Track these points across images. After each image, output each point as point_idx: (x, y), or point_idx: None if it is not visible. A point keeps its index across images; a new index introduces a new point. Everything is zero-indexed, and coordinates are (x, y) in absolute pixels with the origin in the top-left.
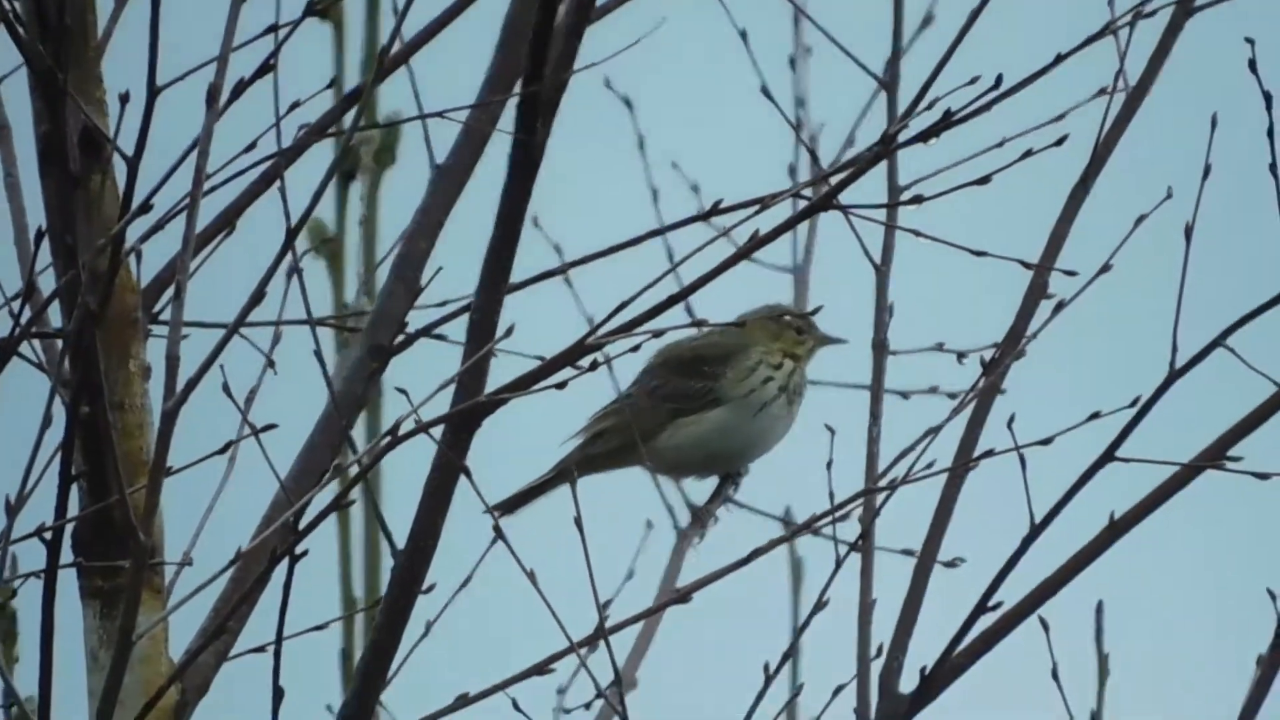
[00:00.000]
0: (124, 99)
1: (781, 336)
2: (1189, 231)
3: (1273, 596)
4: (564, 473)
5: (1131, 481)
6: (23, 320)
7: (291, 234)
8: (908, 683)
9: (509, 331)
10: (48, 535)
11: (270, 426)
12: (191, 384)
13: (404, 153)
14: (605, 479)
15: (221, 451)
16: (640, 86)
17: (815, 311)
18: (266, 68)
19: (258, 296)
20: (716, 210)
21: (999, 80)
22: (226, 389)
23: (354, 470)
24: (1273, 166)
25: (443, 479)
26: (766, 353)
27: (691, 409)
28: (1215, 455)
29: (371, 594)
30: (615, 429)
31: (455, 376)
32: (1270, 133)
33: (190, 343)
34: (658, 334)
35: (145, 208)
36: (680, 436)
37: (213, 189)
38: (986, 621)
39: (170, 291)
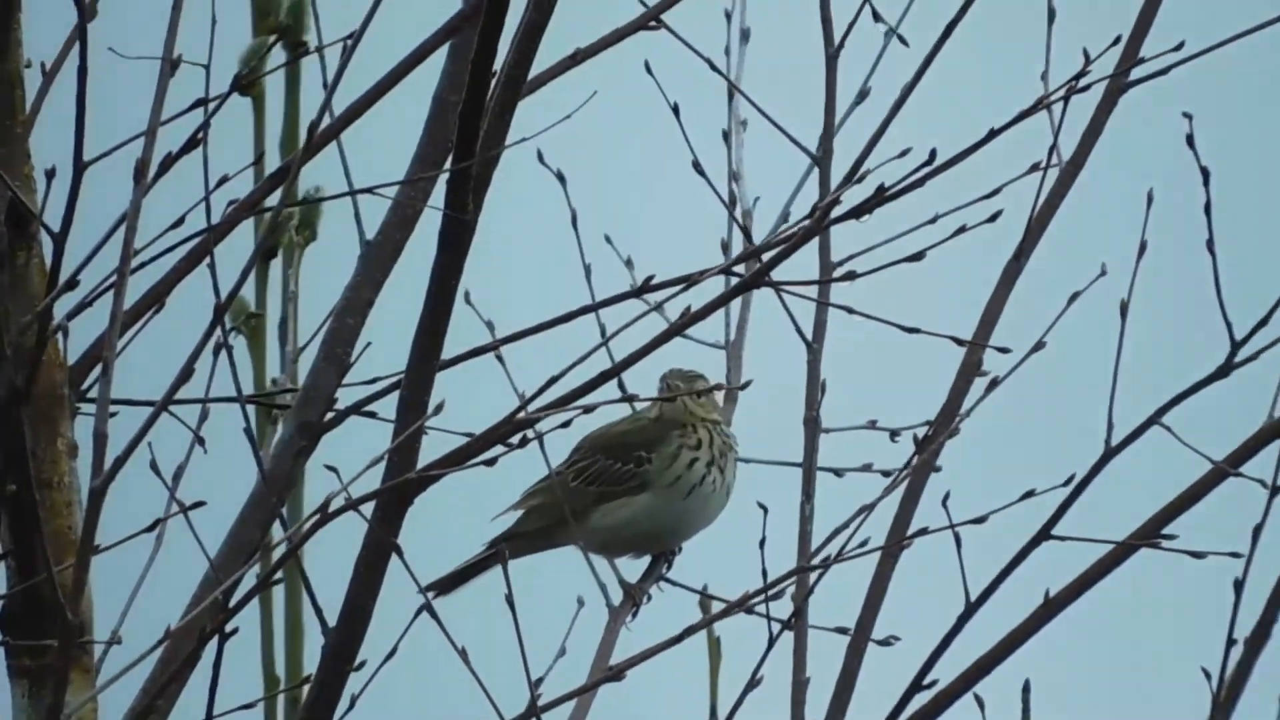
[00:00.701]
0: (50, 174)
1: (694, 409)
2: (1124, 308)
3: (1208, 675)
4: (497, 552)
5: (1067, 559)
6: None
7: (220, 310)
8: None
9: (439, 408)
10: None
11: (199, 504)
12: (120, 462)
13: (329, 228)
14: (537, 556)
15: (150, 529)
16: (573, 161)
17: (715, 387)
18: (194, 142)
19: (186, 373)
20: (648, 287)
21: (933, 155)
22: (154, 466)
23: (283, 548)
24: (1209, 243)
25: (374, 556)
26: (682, 434)
27: (618, 493)
28: (1150, 533)
29: (294, 672)
30: (545, 506)
31: (386, 453)
32: (1207, 208)
33: (118, 420)
34: (589, 409)
35: (72, 284)
36: (612, 518)
37: (141, 265)
38: (921, 700)
39: (98, 369)
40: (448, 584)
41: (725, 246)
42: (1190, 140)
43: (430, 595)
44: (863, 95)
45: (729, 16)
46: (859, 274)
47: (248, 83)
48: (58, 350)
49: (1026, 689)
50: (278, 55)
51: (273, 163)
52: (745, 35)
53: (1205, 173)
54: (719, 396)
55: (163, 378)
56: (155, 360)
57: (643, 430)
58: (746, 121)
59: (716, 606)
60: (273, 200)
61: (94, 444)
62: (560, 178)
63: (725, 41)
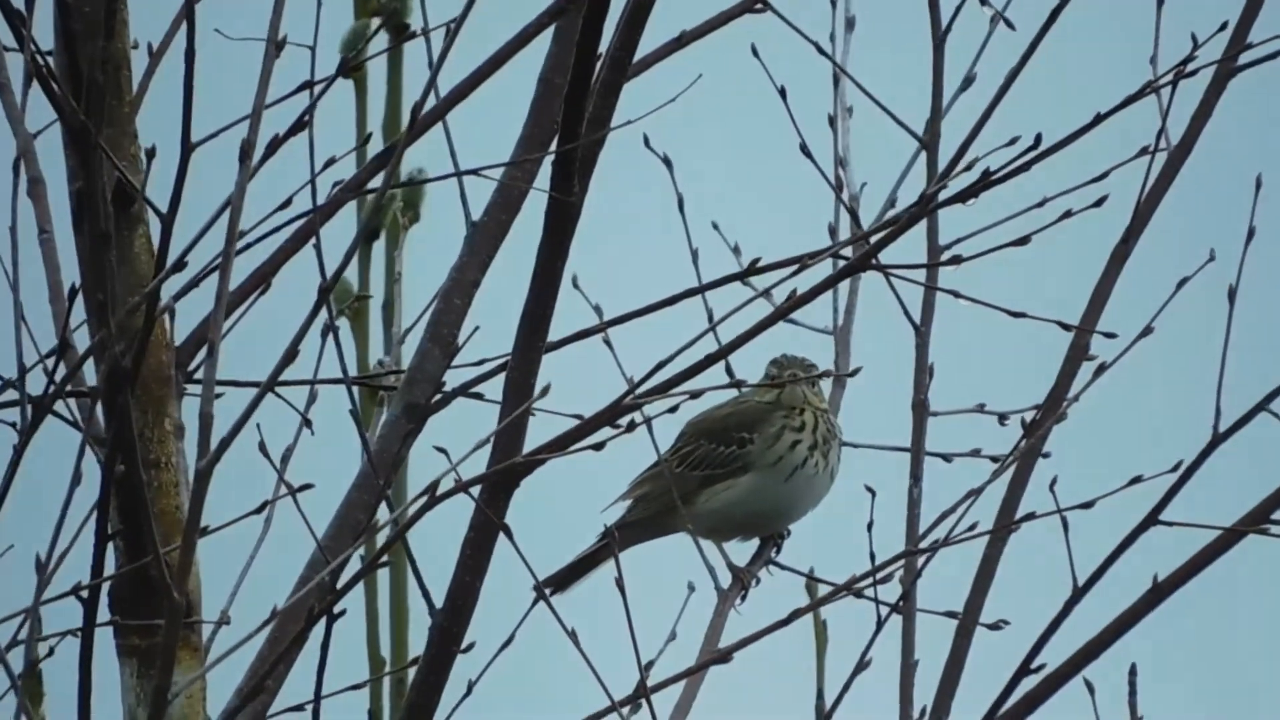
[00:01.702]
0: (150, 154)
1: (810, 398)
2: (1232, 294)
3: None
4: (608, 543)
5: (1174, 545)
6: (57, 378)
7: (324, 291)
8: None
9: (545, 390)
10: (84, 593)
11: (306, 486)
12: (225, 443)
13: (434, 210)
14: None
15: (258, 511)
16: (679, 144)
17: (825, 374)
18: (301, 124)
19: (291, 354)
20: (755, 269)
21: (1038, 140)
22: (263, 448)
23: (389, 530)
24: None
25: (481, 538)
26: (787, 416)
27: (721, 475)
28: (1258, 520)
29: (399, 654)
30: (652, 495)
31: (493, 434)
32: None
33: (225, 401)
34: (696, 394)
35: (179, 265)
36: (717, 500)
37: (246, 246)
38: (1029, 684)
39: (204, 350)
40: (562, 579)
41: (832, 231)
42: None
43: (548, 592)
44: (969, 80)
45: (834, 2)
46: (966, 258)
47: (352, 65)
48: (165, 331)
49: (1133, 672)
50: (380, 38)
51: (377, 145)
52: (850, 23)
53: None
54: (827, 383)
55: (269, 359)
56: (261, 341)
57: (745, 412)
58: (852, 108)
59: (824, 589)
60: (377, 182)
61: (199, 425)
62: (667, 161)
63: (830, 26)
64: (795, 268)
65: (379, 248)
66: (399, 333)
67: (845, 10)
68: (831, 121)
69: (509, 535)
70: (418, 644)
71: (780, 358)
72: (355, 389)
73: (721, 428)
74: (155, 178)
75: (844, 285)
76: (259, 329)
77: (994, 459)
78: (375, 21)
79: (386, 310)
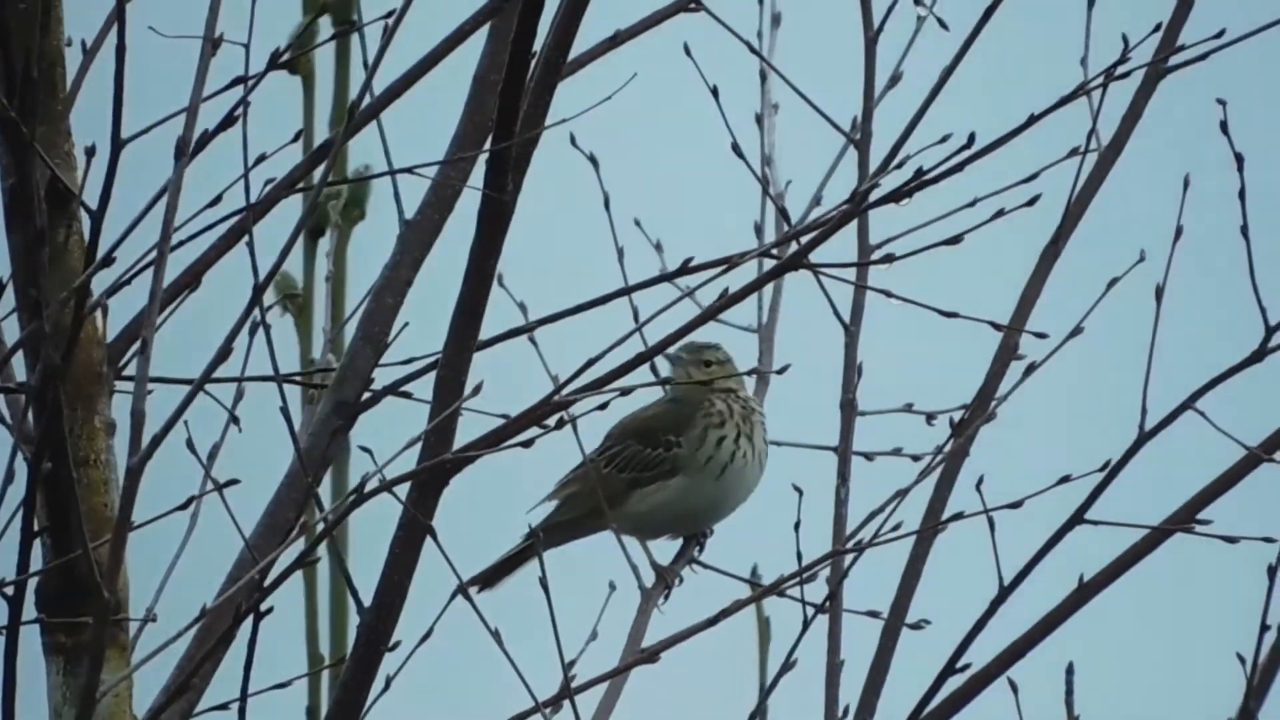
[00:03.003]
0: (89, 152)
1: (704, 377)
2: (1159, 293)
3: (1241, 660)
4: (534, 542)
5: (1101, 544)
6: None
7: (258, 289)
8: None
9: (477, 389)
10: (9, 590)
11: (233, 482)
12: (156, 440)
13: (377, 207)
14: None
15: (184, 507)
16: (605, 143)
17: (750, 371)
18: (231, 119)
19: (224, 352)
20: (685, 270)
21: (971, 139)
22: (191, 445)
23: (319, 528)
24: (1244, 228)
25: (409, 537)
26: (705, 414)
27: (650, 478)
28: (1184, 518)
29: (338, 652)
30: (579, 495)
31: (424, 433)
32: (1242, 194)
33: (155, 398)
34: (625, 392)
35: (108, 261)
36: (647, 503)
37: (180, 243)
38: (955, 683)
39: (136, 347)
40: (489, 577)
41: (758, 229)
42: (1224, 126)
43: (474, 590)
44: (896, 79)
45: (761, 1)
46: (897, 257)
47: (289, 61)
48: (96, 327)
49: (1070, 671)
50: (327, 34)
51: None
52: (776, 19)
53: (1239, 158)
54: (751, 381)
55: (202, 356)
56: (194, 339)
57: (668, 414)
58: (778, 105)
59: (751, 590)
60: (314, 179)
61: (131, 422)
62: (593, 161)
63: (758, 26)
64: (727, 266)
65: (325, 244)
66: (331, 330)
67: (772, 7)
68: (759, 119)
69: (433, 536)
70: None
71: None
72: (289, 386)
73: (648, 429)
74: (90, 177)
75: (769, 286)
76: (192, 326)
77: (915, 457)
78: (319, 17)
79: (332, 308)
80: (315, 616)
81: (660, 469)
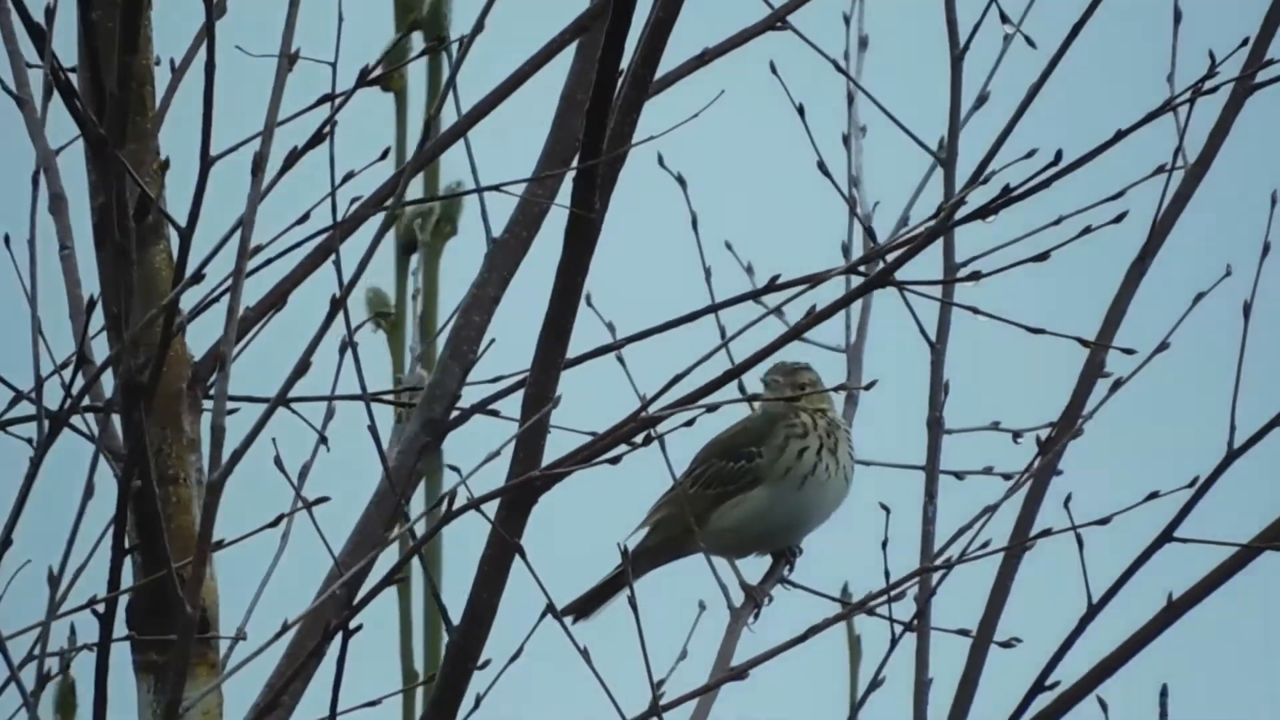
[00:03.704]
0: (164, 166)
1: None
2: (1247, 309)
3: None
4: (624, 568)
5: (1190, 561)
6: (74, 391)
7: (336, 305)
8: None
9: (558, 401)
10: (100, 608)
11: (322, 499)
12: (236, 456)
13: (465, 225)
14: None
15: (273, 525)
16: (691, 161)
17: (839, 387)
18: (320, 137)
19: (303, 367)
20: (771, 287)
21: (1058, 156)
22: (278, 462)
23: (408, 544)
24: None
25: (498, 555)
26: (789, 425)
27: (733, 492)
28: (1274, 536)
29: (431, 669)
30: (669, 518)
31: (509, 441)
32: None
33: (242, 417)
34: (712, 409)
35: (197, 278)
36: (730, 518)
37: (266, 262)
38: (1043, 701)
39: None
40: (582, 606)
41: (845, 249)
42: None
43: (569, 620)
44: (983, 98)
45: (848, 21)
46: (984, 274)
47: (378, 78)
48: (183, 345)
49: (1164, 693)
50: (418, 51)
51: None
52: (864, 42)
53: None
54: (839, 398)
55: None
56: (284, 358)
57: (750, 428)
58: (866, 127)
59: (839, 608)
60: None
61: (211, 438)
62: (681, 180)
63: (845, 47)
64: (811, 283)
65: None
66: (418, 348)
67: (859, 29)
68: (845, 139)
69: (522, 554)
70: None
71: (770, 368)
72: (378, 405)
73: (730, 445)
74: (179, 193)
75: (856, 304)
76: (281, 345)
77: (1006, 476)
78: (416, 35)
79: (423, 325)
80: (410, 634)
81: (743, 481)
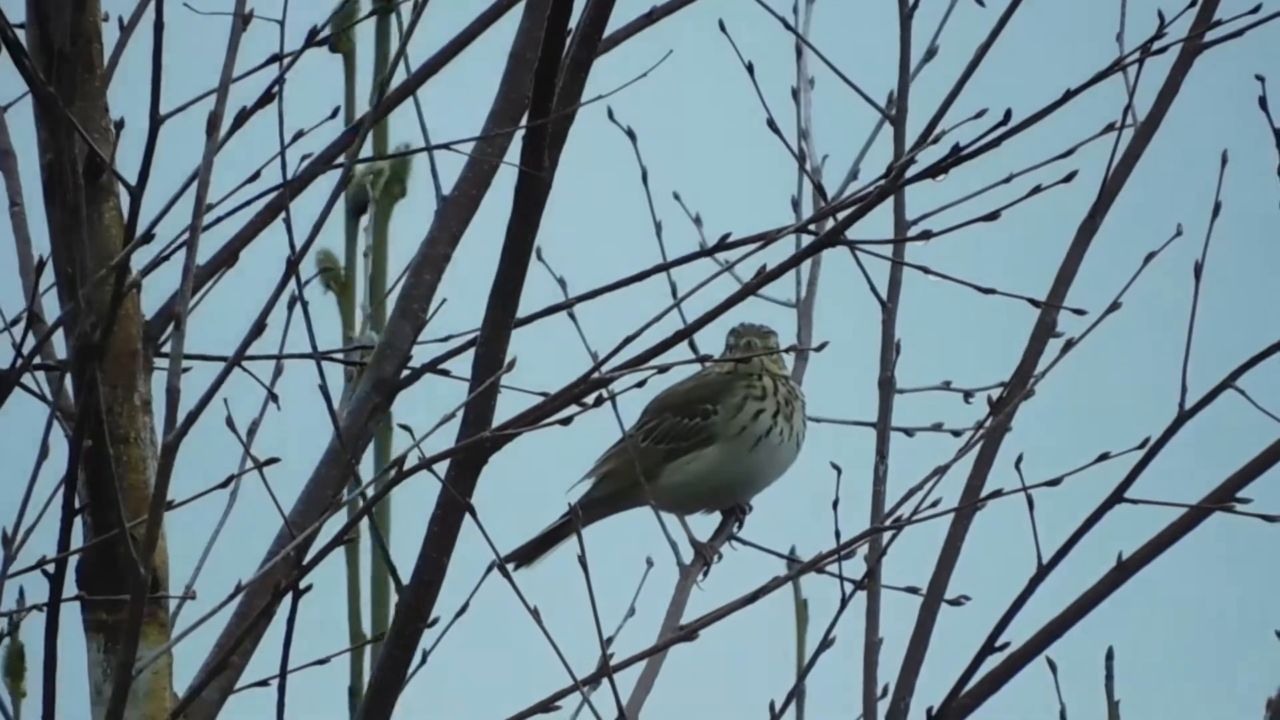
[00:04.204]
0: (119, 126)
1: (767, 364)
2: (1198, 270)
3: None
4: (572, 518)
5: (1140, 522)
6: (25, 350)
7: (291, 265)
8: None
9: (511, 364)
10: (50, 569)
11: (272, 460)
12: (192, 417)
13: (414, 185)
14: (609, 518)
15: (224, 485)
16: (642, 120)
17: (790, 348)
18: (269, 97)
19: (259, 328)
20: (722, 245)
21: (1008, 115)
22: (230, 422)
23: (358, 505)
24: None
25: (448, 515)
26: (749, 385)
27: (686, 448)
28: (1224, 497)
29: (380, 629)
30: (616, 471)
31: (460, 407)
32: None
33: (194, 376)
34: (664, 369)
35: (147, 237)
36: (682, 473)
37: (217, 220)
38: (993, 662)
39: (172, 324)
40: (527, 554)
41: (795, 205)
42: (1263, 102)
43: (511, 567)
44: (931, 53)
45: None
46: (934, 233)
47: (326, 39)
48: (135, 305)
49: (1110, 656)
50: (366, 10)
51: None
52: None
53: (1278, 134)
54: (790, 357)
55: (243, 334)
56: (235, 316)
57: (708, 384)
58: (814, 80)
59: (790, 567)
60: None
61: (166, 399)
62: (630, 135)
63: (794, 2)
64: (763, 243)
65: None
66: (367, 309)
67: None
68: (795, 94)
69: (472, 513)
70: None
71: (738, 326)
72: (329, 364)
73: (685, 401)
74: (127, 152)
75: (806, 261)
76: (232, 303)
77: (956, 433)
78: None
79: (373, 285)
80: (358, 594)
81: (696, 438)
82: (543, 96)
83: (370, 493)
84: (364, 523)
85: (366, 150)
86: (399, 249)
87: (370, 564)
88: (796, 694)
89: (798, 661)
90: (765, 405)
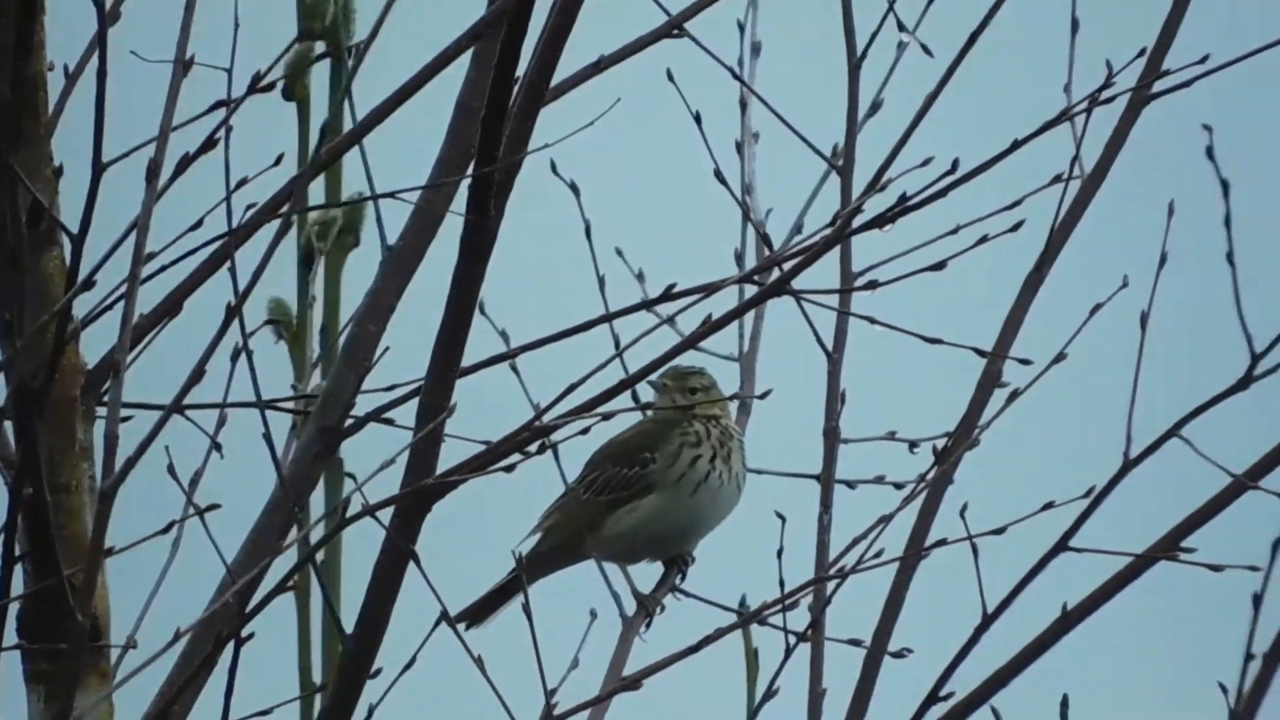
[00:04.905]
0: (58, 174)
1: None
2: (1144, 320)
3: (1224, 690)
4: (519, 574)
5: (1085, 572)
6: None
7: (231, 312)
8: None
9: (452, 410)
10: None
11: (213, 506)
12: (130, 463)
13: (366, 234)
14: None
15: (164, 532)
16: (588, 169)
17: (732, 397)
18: (212, 143)
19: (197, 375)
20: (667, 296)
21: (955, 165)
22: (171, 469)
23: (303, 552)
24: (1229, 255)
25: (392, 563)
26: (683, 433)
27: (627, 498)
28: (1169, 546)
29: (330, 678)
30: (560, 524)
31: (403, 450)
32: (1227, 221)
33: (136, 424)
34: (606, 417)
35: (88, 284)
36: (624, 523)
37: (162, 268)
38: (938, 712)
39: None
40: (476, 613)
41: (738, 257)
42: (1210, 152)
43: (463, 627)
44: (877, 105)
45: (742, 28)
46: (881, 283)
47: (290, 86)
48: (76, 353)
49: (1065, 704)
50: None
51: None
52: (756, 48)
53: (1225, 185)
54: (733, 407)
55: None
56: (180, 365)
57: (646, 433)
58: (759, 134)
59: (732, 617)
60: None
61: (104, 446)
62: (574, 188)
63: (739, 52)
64: (707, 292)
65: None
66: (312, 357)
67: (752, 34)
68: (739, 147)
69: (416, 560)
70: None
71: (660, 372)
72: (275, 413)
73: (623, 450)
74: (71, 199)
75: (750, 313)
76: (177, 353)
77: (898, 485)
78: (318, 45)
79: (325, 334)
80: (308, 643)
81: (636, 488)
82: (489, 146)
83: (314, 539)
84: (309, 569)
85: (316, 197)
86: (351, 298)
87: (320, 612)
88: None
89: (748, 709)
90: (701, 450)
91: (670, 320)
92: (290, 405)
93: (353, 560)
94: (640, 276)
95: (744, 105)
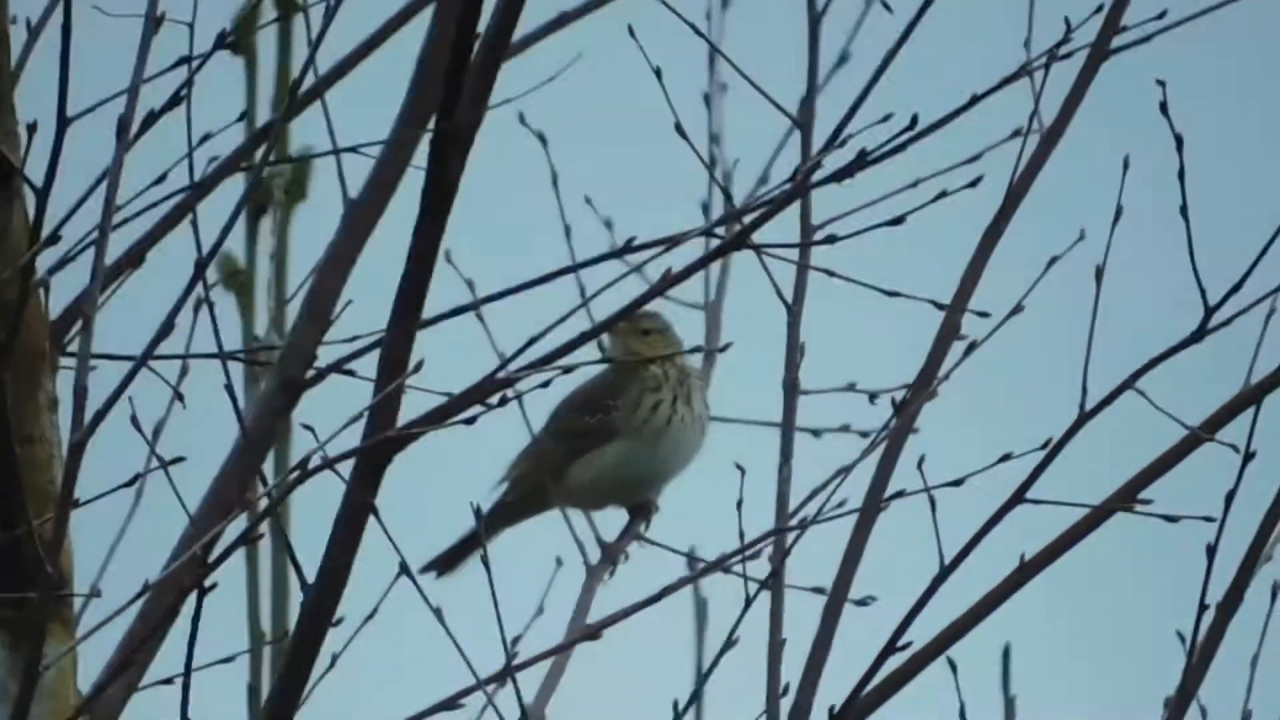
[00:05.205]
0: (31, 129)
1: (638, 349)
2: (1100, 273)
3: (1181, 639)
4: (480, 525)
5: (1042, 523)
6: None
7: (200, 267)
8: None
9: (419, 366)
10: None
11: (178, 459)
12: (99, 416)
13: (317, 187)
14: None
15: (129, 484)
16: (551, 124)
17: (695, 349)
18: (177, 99)
19: (166, 329)
20: (629, 248)
21: (914, 120)
22: (135, 421)
23: (263, 505)
24: (1184, 209)
25: (352, 515)
26: (640, 379)
27: (589, 446)
28: (1126, 497)
29: (279, 628)
30: (527, 474)
31: (366, 410)
32: (1181, 175)
33: (100, 375)
34: (569, 370)
35: (54, 238)
36: (587, 472)
37: (124, 221)
38: (895, 662)
39: (79, 324)
40: (445, 563)
41: (705, 209)
42: (1164, 107)
43: (432, 575)
44: (843, 59)
45: None
46: (840, 237)
47: (238, 41)
48: (40, 305)
49: (1007, 654)
50: (271, 14)
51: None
52: (725, 1)
53: (1179, 139)
54: (697, 359)
55: (147, 335)
56: (140, 317)
57: (604, 381)
58: (726, 85)
59: (695, 567)
60: (257, 159)
61: (74, 398)
62: (542, 139)
63: (707, 6)
64: (669, 245)
65: (268, 224)
66: (275, 309)
67: None
68: (707, 99)
69: (375, 513)
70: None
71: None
72: (231, 364)
73: (586, 399)
74: (35, 154)
75: (717, 263)
76: (137, 304)
77: (864, 434)
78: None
79: (274, 286)
80: (257, 594)
81: (598, 435)
82: (450, 99)
83: (275, 493)
84: (266, 523)
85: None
86: (301, 251)
87: (270, 564)
88: (699, 693)
89: (696, 661)
90: (662, 395)
91: (637, 269)
92: (251, 357)
93: (301, 512)
94: (609, 224)
95: (711, 59)
